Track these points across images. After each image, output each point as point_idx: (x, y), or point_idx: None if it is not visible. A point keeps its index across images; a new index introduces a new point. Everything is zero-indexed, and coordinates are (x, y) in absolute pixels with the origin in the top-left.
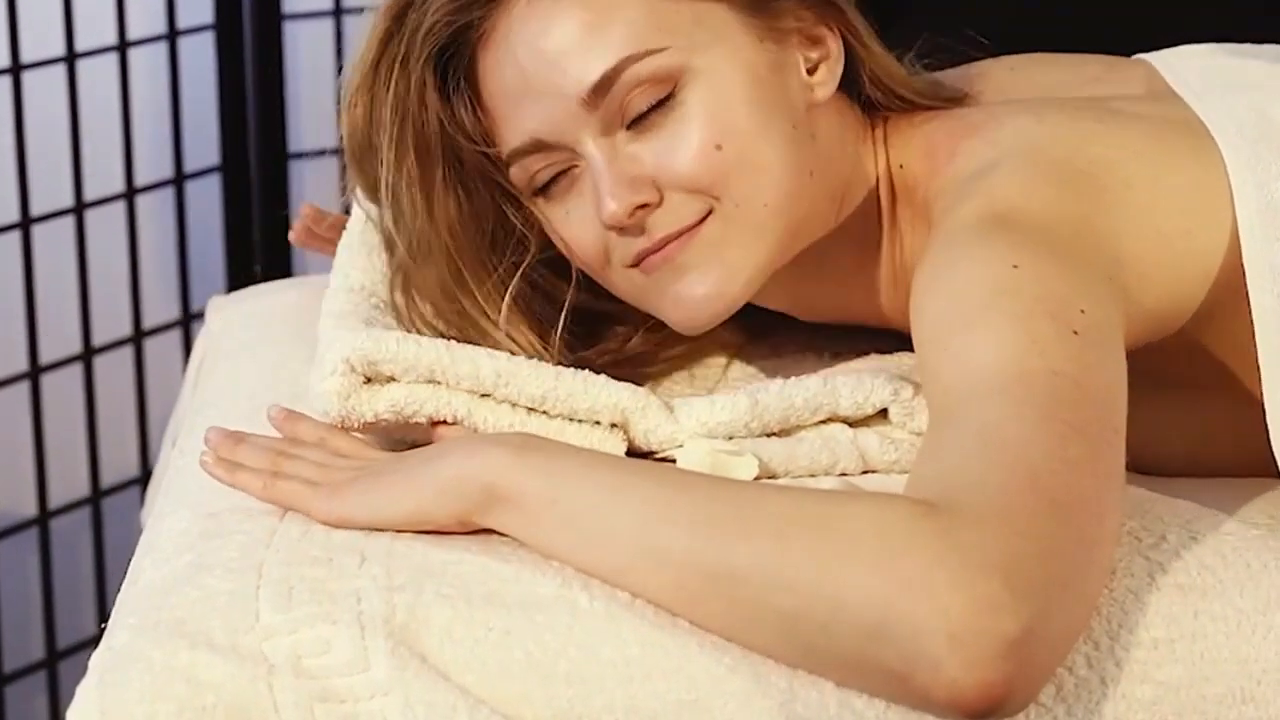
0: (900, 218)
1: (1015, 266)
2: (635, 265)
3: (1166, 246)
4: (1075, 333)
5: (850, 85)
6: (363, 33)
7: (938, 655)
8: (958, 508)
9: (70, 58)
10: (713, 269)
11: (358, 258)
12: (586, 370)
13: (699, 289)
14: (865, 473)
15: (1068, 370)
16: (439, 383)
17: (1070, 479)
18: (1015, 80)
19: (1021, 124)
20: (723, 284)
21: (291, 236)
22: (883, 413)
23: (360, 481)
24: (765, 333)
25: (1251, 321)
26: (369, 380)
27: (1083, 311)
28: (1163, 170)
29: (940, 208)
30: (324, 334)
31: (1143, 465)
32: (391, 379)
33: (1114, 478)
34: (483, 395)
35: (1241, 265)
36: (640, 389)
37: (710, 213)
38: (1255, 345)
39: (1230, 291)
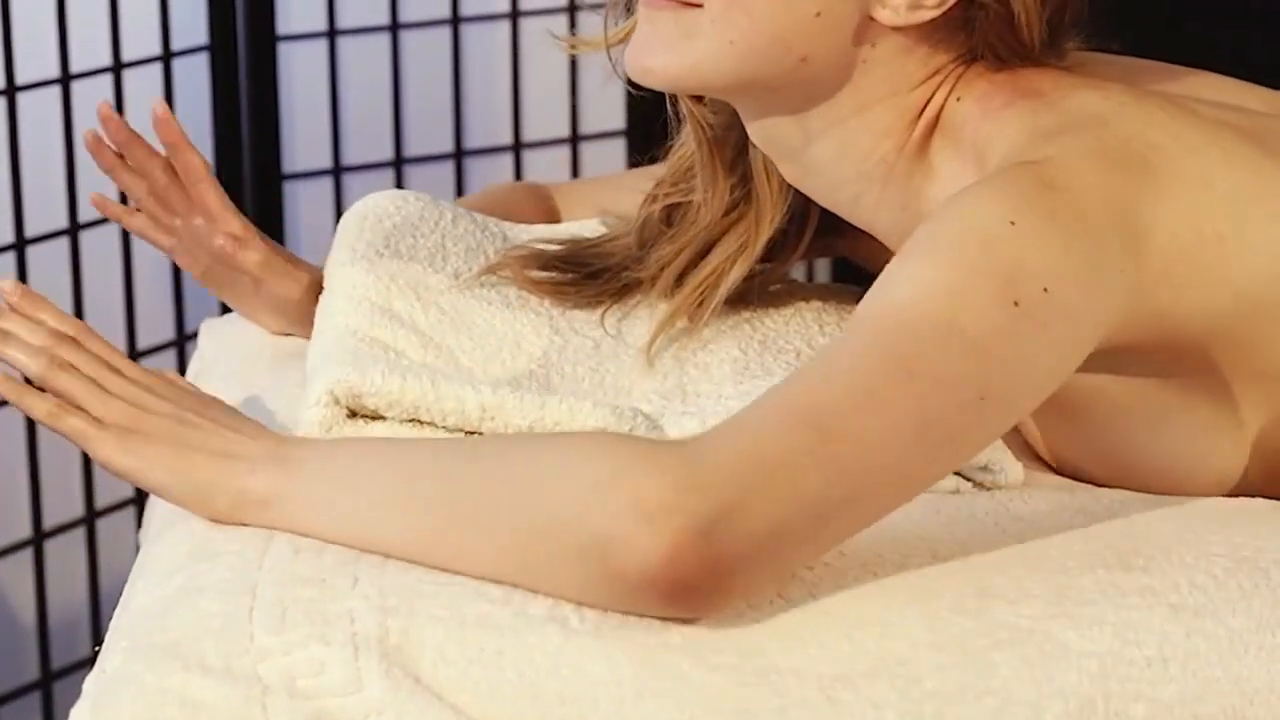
0: (934, 151)
1: (1012, 223)
2: None
3: (1199, 247)
4: (1015, 303)
5: (960, 29)
6: None
7: (629, 531)
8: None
9: (65, 79)
10: (666, 51)
11: (338, 302)
12: (571, 399)
13: (649, 57)
14: None
15: (973, 332)
16: (423, 422)
17: (853, 412)
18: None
19: (1089, 98)
20: (670, 69)
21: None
22: None
23: (154, 440)
24: (760, 349)
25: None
26: (354, 414)
27: (1045, 290)
28: (1215, 171)
29: (997, 155)
30: (311, 365)
31: (1135, 483)
32: (377, 415)
33: (933, 428)
34: (468, 432)
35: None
36: (626, 411)
37: (700, 7)
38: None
39: (1256, 308)
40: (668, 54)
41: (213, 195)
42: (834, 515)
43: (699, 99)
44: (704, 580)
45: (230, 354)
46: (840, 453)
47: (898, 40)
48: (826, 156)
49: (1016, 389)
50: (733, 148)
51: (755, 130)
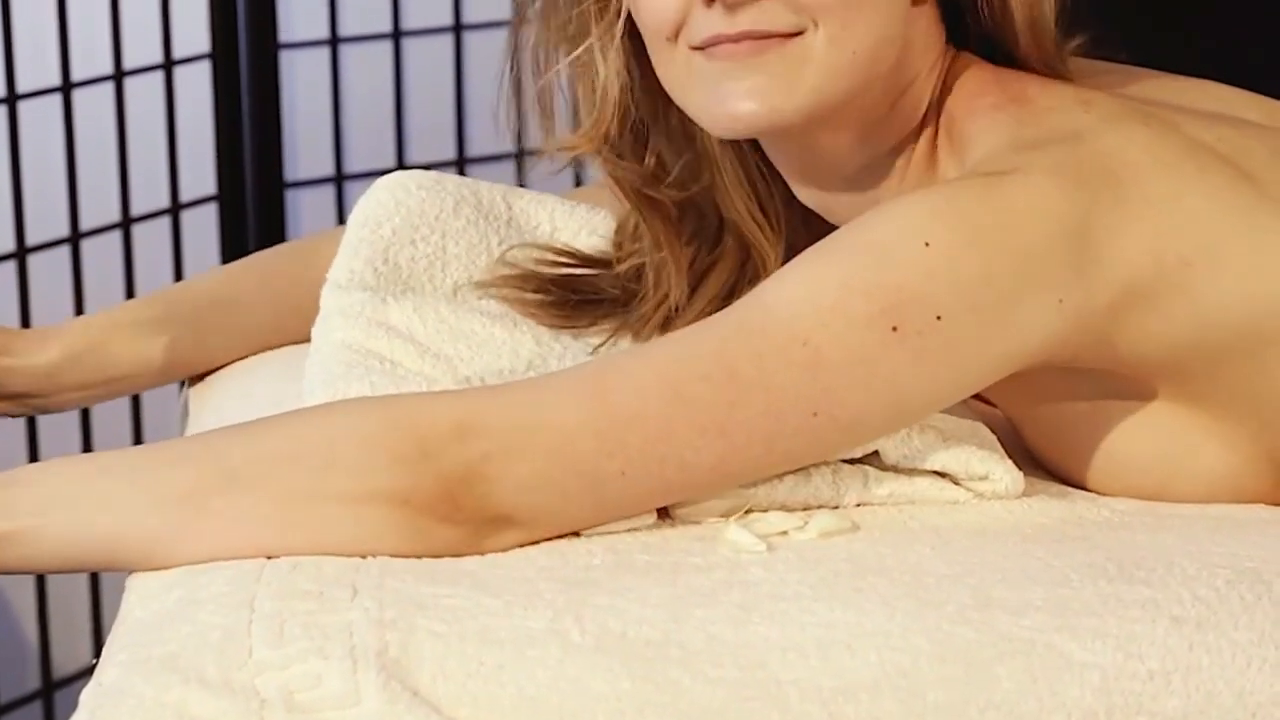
0: (940, 146)
1: (926, 244)
2: (702, 49)
3: (1159, 276)
4: (893, 328)
5: (957, 14)
6: None
7: (395, 463)
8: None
9: (66, 87)
10: (772, 90)
11: (334, 319)
12: None
13: (747, 103)
14: (859, 505)
15: (827, 351)
16: None
17: (641, 394)
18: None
19: (1071, 112)
20: (772, 106)
21: None
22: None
23: None
24: None
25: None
26: None
27: (937, 319)
28: (1187, 187)
29: (972, 158)
30: (308, 378)
31: (1115, 482)
32: None
33: (739, 430)
34: None
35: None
36: None
37: (802, 34)
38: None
39: (1228, 329)
40: (775, 97)
41: None
42: (612, 484)
43: (654, 182)
44: (461, 513)
45: (229, 373)
46: (618, 427)
47: (923, 14)
48: (871, 175)
49: (869, 413)
50: (689, 225)
51: (811, 158)
